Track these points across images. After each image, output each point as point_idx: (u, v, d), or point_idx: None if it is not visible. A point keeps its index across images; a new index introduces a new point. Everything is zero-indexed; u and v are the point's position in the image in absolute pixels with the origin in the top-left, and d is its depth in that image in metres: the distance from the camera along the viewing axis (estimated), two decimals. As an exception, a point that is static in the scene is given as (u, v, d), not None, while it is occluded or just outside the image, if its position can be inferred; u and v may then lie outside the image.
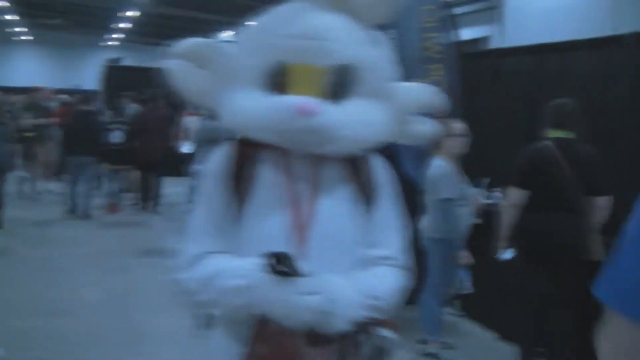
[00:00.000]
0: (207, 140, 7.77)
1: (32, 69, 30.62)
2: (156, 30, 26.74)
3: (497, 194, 5.27)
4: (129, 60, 25.31)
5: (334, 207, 1.88)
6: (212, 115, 7.76)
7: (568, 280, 4.68)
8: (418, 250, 5.14)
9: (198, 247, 1.89)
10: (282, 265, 1.67)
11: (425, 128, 2.10)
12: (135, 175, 11.29)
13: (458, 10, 17.52)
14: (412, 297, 5.31)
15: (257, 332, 1.75)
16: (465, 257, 5.01)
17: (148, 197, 11.20)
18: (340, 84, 1.81)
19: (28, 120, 12.25)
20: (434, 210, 5.01)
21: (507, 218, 4.71)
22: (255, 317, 1.75)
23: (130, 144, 10.69)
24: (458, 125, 5.18)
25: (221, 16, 21.61)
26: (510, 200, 4.72)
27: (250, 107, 1.81)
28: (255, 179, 1.86)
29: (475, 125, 7.08)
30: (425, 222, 5.08)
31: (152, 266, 7.29)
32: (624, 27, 7.15)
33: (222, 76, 1.90)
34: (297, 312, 1.70)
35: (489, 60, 7.39)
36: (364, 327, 1.78)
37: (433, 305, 5.10)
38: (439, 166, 5.02)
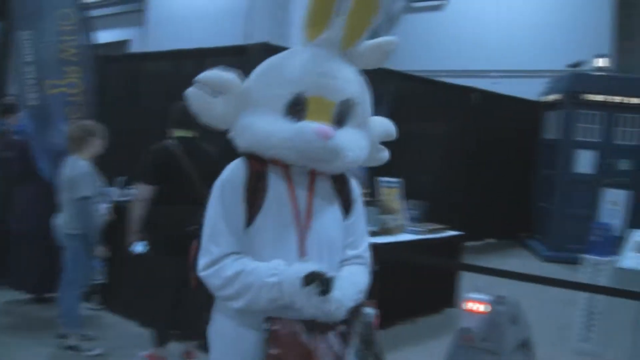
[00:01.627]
0: None
1: None
2: None
3: (132, 190, 5.55)
4: None
5: (326, 215, 2.29)
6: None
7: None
8: (54, 247, 5.30)
9: (219, 248, 2.21)
10: (323, 286, 2.05)
11: (384, 155, 2.55)
12: None
13: (102, 12, 17.76)
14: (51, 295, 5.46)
15: (272, 331, 2.12)
16: (101, 251, 5.24)
17: None
18: (342, 114, 2.21)
19: None
20: (71, 207, 5.16)
21: (137, 212, 5.00)
22: (272, 309, 2.13)
23: None
24: (97, 126, 5.35)
25: None
26: (138, 195, 5.03)
27: (274, 129, 2.14)
28: (266, 190, 2.21)
29: (115, 126, 7.37)
30: (62, 219, 5.22)
31: None
32: (257, 37, 7.88)
33: (239, 103, 2.22)
34: (324, 305, 2.08)
35: (130, 63, 7.72)
36: (354, 311, 2.21)
37: (71, 300, 5.23)
38: (78, 165, 5.16)
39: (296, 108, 2.16)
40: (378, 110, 2.47)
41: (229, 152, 2.42)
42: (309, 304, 2.07)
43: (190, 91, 2.24)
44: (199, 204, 4.91)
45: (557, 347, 5.55)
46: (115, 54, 11.82)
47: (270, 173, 2.24)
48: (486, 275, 4.84)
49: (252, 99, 2.24)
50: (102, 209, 5.41)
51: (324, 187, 2.32)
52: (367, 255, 2.45)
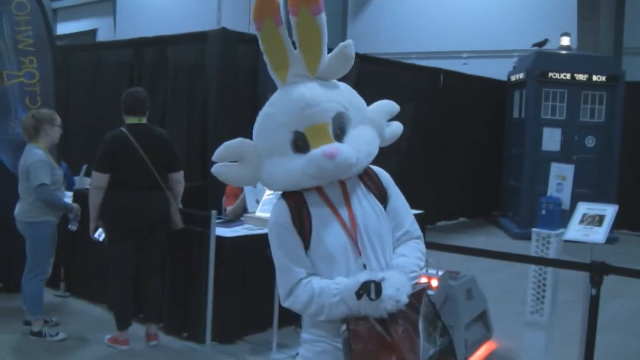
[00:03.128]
0: None
1: None
2: None
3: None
4: None
5: (367, 213, 2.49)
6: None
7: (157, 249, 5.26)
8: (16, 236, 5.36)
9: (287, 282, 2.45)
10: (373, 293, 2.27)
11: (396, 128, 2.66)
12: None
13: (71, 3, 17.64)
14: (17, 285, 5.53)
15: (351, 329, 2.33)
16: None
17: None
18: (340, 125, 2.43)
19: None
20: (28, 196, 5.23)
21: (94, 200, 5.10)
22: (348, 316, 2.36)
23: None
24: (52, 115, 5.41)
25: None
26: (94, 183, 5.11)
27: (290, 168, 2.39)
28: (310, 215, 2.44)
29: (80, 114, 7.42)
30: (20, 208, 5.28)
31: None
32: (226, 23, 7.93)
33: (256, 160, 2.46)
34: (380, 306, 2.29)
35: (92, 53, 7.75)
36: (417, 295, 2.39)
37: (34, 286, 5.31)
38: (33, 154, 5.23)
39: (299, 143, 2.41)
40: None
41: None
42: (370, 310, 2.31)
43: (214, 169, 2.50)
44: (155, 188, 5.08)
45: (513, 320, 5.70)
46: (77, 44, 11.81)
47: (307, 198, 2.48)
48: (448, 252, 4.93)
49: (264, 152, 2.48)
50: (63, 197, 5.48)
51: (356, 188, 2.54)
52: (413, 228, 2.65)
